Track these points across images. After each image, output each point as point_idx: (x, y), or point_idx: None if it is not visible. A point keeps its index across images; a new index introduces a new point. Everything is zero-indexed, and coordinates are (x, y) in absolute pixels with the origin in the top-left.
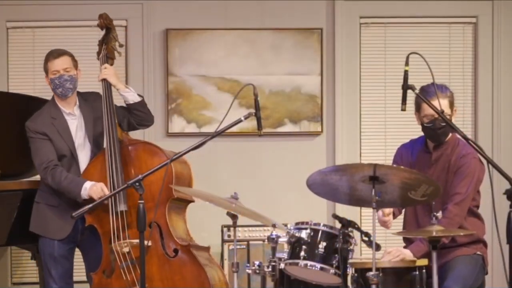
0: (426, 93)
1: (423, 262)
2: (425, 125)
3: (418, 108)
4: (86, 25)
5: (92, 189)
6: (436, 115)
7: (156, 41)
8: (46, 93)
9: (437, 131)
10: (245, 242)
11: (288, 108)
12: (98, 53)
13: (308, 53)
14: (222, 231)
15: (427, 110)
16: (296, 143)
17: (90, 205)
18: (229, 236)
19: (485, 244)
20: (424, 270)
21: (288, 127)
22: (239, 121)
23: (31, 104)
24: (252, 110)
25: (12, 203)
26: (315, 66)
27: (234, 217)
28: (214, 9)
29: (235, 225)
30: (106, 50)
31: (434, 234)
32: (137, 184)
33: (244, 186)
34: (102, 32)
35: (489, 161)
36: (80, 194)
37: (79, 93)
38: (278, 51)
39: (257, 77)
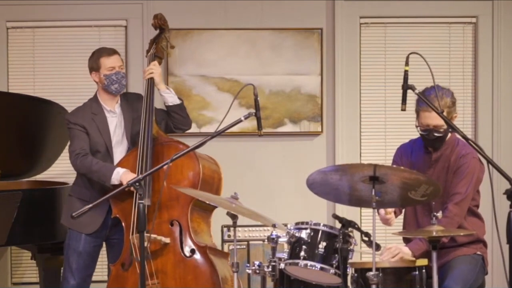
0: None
1: (423, 262)
2: (421, 133)
3: (416, 114)
4: (86, 25)
5: (125, 175)
6: (431, 125)
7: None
8: (46, 93)
9: (431, 140)
10: (245, 242)
11: (288, 108)
12: (148, 51)
13: (308, 53)
14: (222, 231)
15: (423, 119)
16: (296, 143)
17: (90, 205)
18: (229, 236)
19: (485, 244)
20: (424, 270)
21: (288, 127)
22: (239, 121)
23: (31, 104)
24: (252, 110)
25: (12, 203)
26: (315, 66)
27: (234, 217)
28: (214, 9)
29: (235, 225)
30: (155, 49)
31: (434, 234)
32: (137, 184)
33: (244, 186)
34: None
35: (489, 161)
36: (110, 178)
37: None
38: (278, 51)
39: (257, 77)
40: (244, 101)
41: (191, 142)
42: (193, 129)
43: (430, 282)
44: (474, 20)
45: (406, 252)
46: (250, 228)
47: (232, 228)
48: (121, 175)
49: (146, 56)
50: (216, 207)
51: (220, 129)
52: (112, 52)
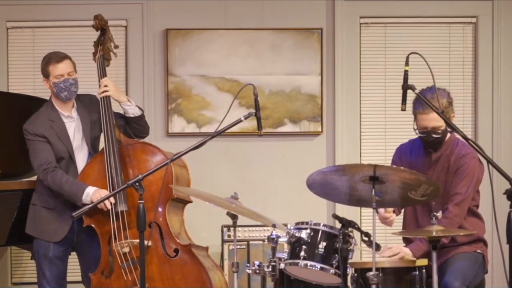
0: (421, 104)
1: (423, 262)
2: (419, 135)
3: (414, 117)
4: (86, 25)
5: (95, 195)
6: (429, 127)
7: (156, 41)
8: (46, 93)
9: (430, 142)
10: (245, 242)
11: (288, 108)
12: (94, 54)
13: (308, 53)
14: (222, 231)
15: (420, 122)
16: (296, 143)
17: (90, 205)
18: (229, 236)
19: (485, 243)
20: (424, 270)
21: (288, 127)
22: (239, 121)
23: (31, 104)
24: (252, 110)
25: (12, 203)
26: (315, 66)
27: (234, 217)
28: (214, 9)
29: (235, 225)
30: (102, 51)
31: (434, 234)
32: (137, 184)
33: (244, 186)
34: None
35: (489, 161)
36: (81, 199)
37: (76, 96)
38: (278, 51)
39: (257, 77)
40: (244, 101)
41: (191, 142)
42: (193, 129)
43: (430, 282)
44: (474, 20)
45: (407, 252)
46: (250, 228)
47: (232, 228)
48: (91, 196)
49: (94, 59)
50: (188, 202)
51: (220, 129)
52: (60, 58)
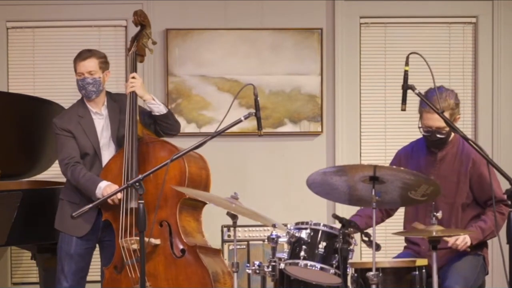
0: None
1: (423, 262)
2: (423, 134)
3: (419, 115)
4: (86, 25)
5: (106, 189)
6: (434, 127)
7: (156, 41)
8: (46, 93)
9: (433, 141)
10: (245, 242)
11: (288, 108)
12: (128, 50)
13: (308, 53)
14: (222, 231)
15: (425, 121)
16: (296, 143)
17: (90, 205)
18: (229, 236)
19: (486, 244)
20: (424, 270)
21: (288, 127)
22: (239, 121)
23: (31, 104)
24: (252, 110)
25: (12, 203)
26: (315, 66)
27: (234, 217)
28: (214, 9)
29: (235, 225)
30: (137, 47)
31: (434, 234)
32: (137, 184)
33: (244, 186)
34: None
35: (489, 161)
36: (94, 193)
37: (108, 93)
38: (278, 51)
39: (257, 77)
40: (244, 101)
41: (191, 142)
42: (193, 129)
43: (430, 282)
44: (474, 20)
45: (467, 241)
46: (250, 228)
47: (232, 228)
48: (102, 190)
49: (128, 55)
50: (206, 203)
51: (220, 129)
52: (84, 57)
